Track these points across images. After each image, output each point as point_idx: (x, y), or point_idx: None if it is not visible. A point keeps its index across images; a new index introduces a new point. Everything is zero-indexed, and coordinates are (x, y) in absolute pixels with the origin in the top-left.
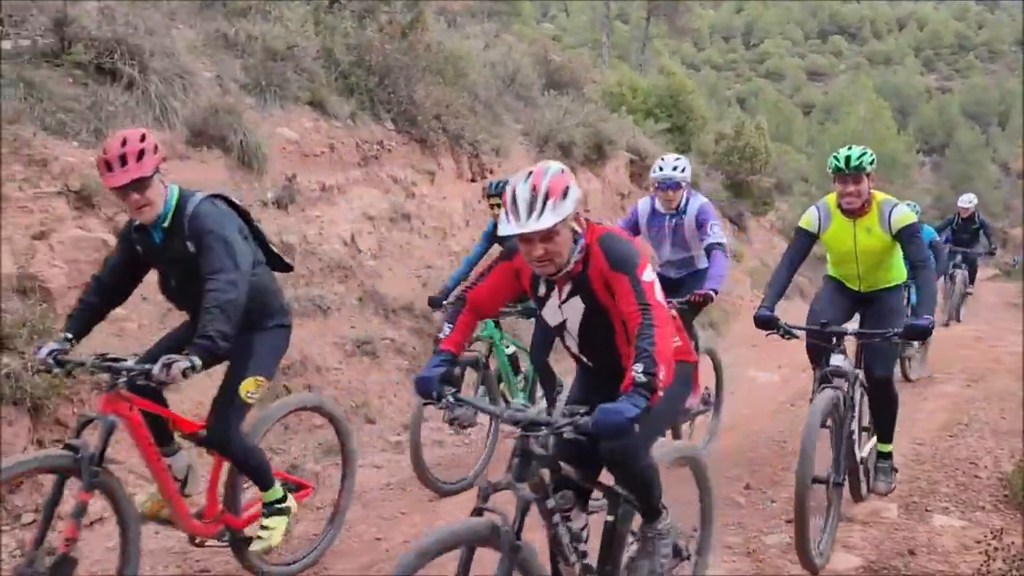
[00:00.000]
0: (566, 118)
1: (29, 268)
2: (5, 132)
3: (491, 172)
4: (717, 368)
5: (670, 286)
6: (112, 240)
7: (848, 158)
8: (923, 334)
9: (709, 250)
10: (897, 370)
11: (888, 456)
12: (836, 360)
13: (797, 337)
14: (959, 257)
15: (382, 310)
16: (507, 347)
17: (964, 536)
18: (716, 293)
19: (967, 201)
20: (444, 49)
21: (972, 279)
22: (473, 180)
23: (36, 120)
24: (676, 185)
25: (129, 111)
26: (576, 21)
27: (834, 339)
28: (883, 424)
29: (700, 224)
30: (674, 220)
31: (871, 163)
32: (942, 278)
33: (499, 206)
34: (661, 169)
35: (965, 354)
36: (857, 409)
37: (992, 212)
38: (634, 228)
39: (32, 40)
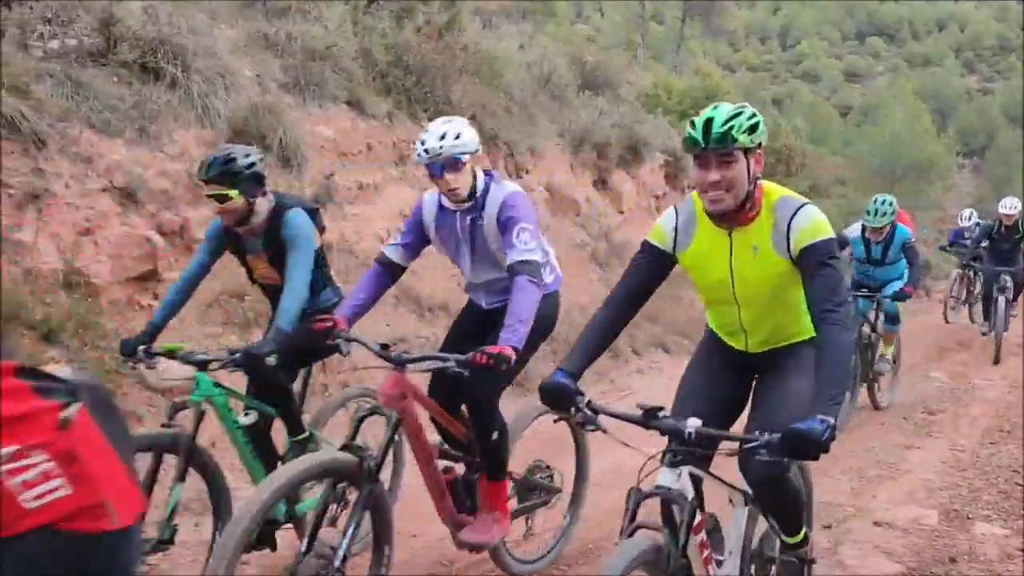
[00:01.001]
0: (601, 119)
1: (75, 263)
2: (53, 130)
3: (527, 172)
4: (578, 442)
5: (478, 324)
6: (157, 237)
7: (709, 122)
8: (807, 449)
9: (512, 272)
10: (865, 396)
11: (798, 546)
12: (665, 478)
13: (601, 429)
14: (1005, 279)
15: (417, 308)
16: (242, 414)
17: (1007, 544)
18: (518, 351)
19: (1011, 206)
20: (480, 49)
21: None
22: (508, 179)
23: (83, 118)
24: (450, 165)
25: (172, 109)
26: (611, 22)
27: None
28: (784, 518)
29: (504, 226)
30: (468, 219)
31: (751, 131)
32: (969, 302)
33: (218, 198)
34: (423, 144)
35: (1009, 360)
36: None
37: None
38: (419, 233)
39: (79, 40)
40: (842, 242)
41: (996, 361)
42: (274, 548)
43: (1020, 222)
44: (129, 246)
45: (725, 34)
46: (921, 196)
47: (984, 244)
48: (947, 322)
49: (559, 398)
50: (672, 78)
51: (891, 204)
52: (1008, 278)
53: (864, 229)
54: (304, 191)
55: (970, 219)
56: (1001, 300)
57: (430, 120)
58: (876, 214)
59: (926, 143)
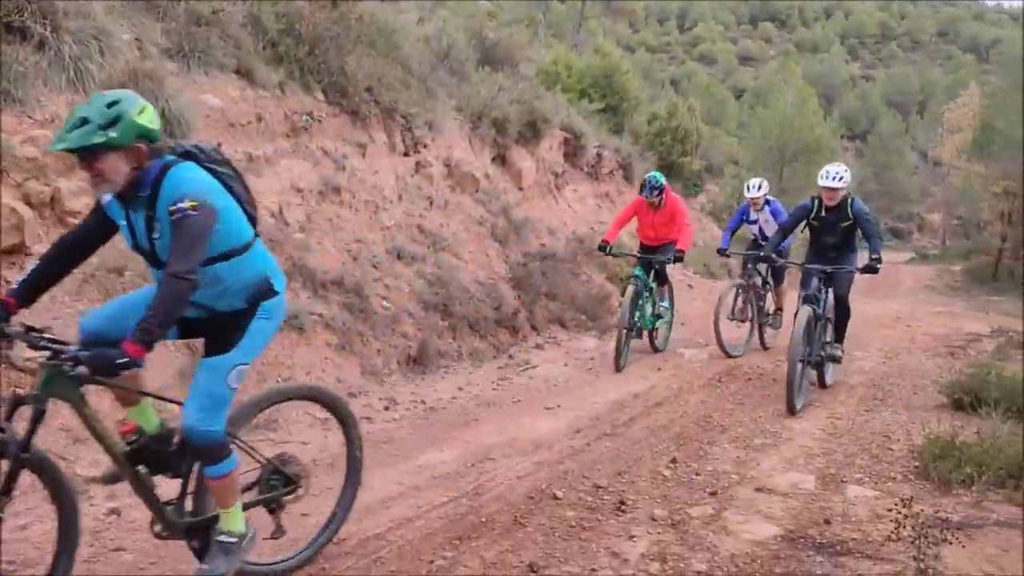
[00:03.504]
0: (500, 95)
1: None
2: None
3: (424, 147)
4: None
5: None
6: (24, 209)
7: None
8: None
9: None
10: None
11: None
12: None
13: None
14: (814, 281)
15: (311, 284)
16: None
17: (876, 505)
18: None
19: (835, 176)
20: (376, 20)
21: (839, 331)
22: (406, 154)
23: None
24: None
25: (40, 72)
26: None
27: None
28: None
29: None
30: None
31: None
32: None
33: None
34: None
35: (884, 333)
36: None
37: (910, 198)
38: None
39: None
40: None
41: (790, 410)
42: None
43: (851, 202)
44: None
45: (625, 15)
46: (809, 178)
47: (788, 238)
48: (729, 355)
49: None
50: (572, 56)
51: None
52: (818, 282)
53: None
54: None
55: (759, 189)
56: (804, 313)
57: (324, 91)
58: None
59: (813, 126)
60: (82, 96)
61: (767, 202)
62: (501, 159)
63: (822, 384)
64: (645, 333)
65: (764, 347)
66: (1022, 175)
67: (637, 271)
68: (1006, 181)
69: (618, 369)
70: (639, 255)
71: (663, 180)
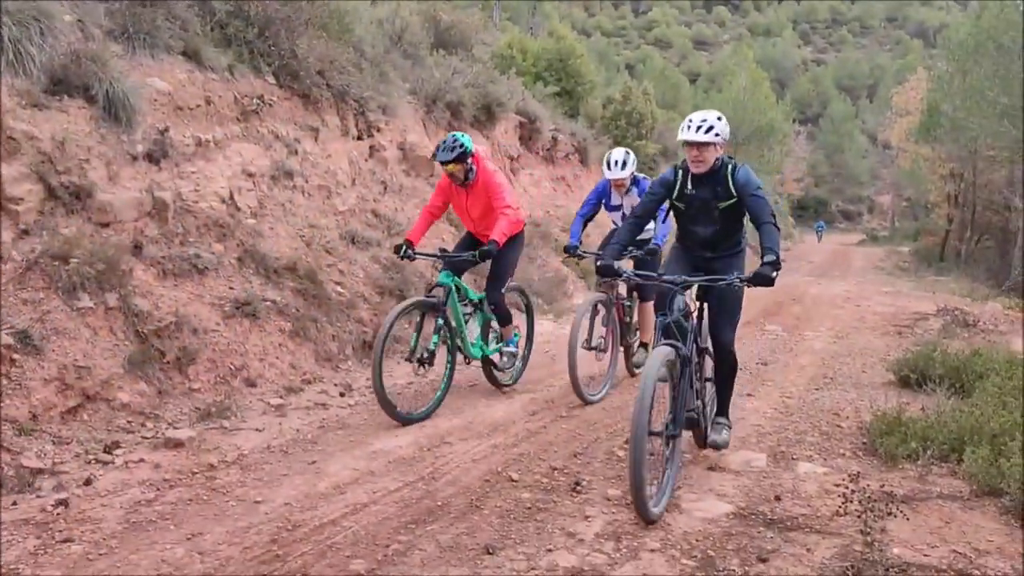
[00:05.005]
0: (455, 78)
1: None
2: None
3: (378, 131)
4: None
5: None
6: None
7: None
8: None
9: None
10: None
11: None
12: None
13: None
14: (678, 300)
15: (263, 270)
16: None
17: (825, 481)
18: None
19: (700, 125)
20: (328, 2)
21: (722, 393)
22: (360, 138)
23: None
24: None
25: None
26: None
27: None
28: None
29: None
30: None
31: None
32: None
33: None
34: None
35: (835, 313)
36: None
37: (860, 181)
38: None
39: None
40: None
41: (642, 516)
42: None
43: (732, 170)
44: None
45: None
46: (762, 160)
47: (661, 227)
48: (586, 401)
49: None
50: (527, 40)
51: None
52: (684, 302)
53: None
54: (136, 147)
55: (623, 168)
56: (657, 358)
57: (274, 74)
58: None
59: (766, 109)
60: (23, 79)
61: (635, 181)
62: None
63: (702, 445)
64: (476, 363)
65: (631, 374)
66: (967, 158)
67: (442, 276)
68: (952, 164)
69: (399, 418)
70: (441, 254)
71: (469, 142)
